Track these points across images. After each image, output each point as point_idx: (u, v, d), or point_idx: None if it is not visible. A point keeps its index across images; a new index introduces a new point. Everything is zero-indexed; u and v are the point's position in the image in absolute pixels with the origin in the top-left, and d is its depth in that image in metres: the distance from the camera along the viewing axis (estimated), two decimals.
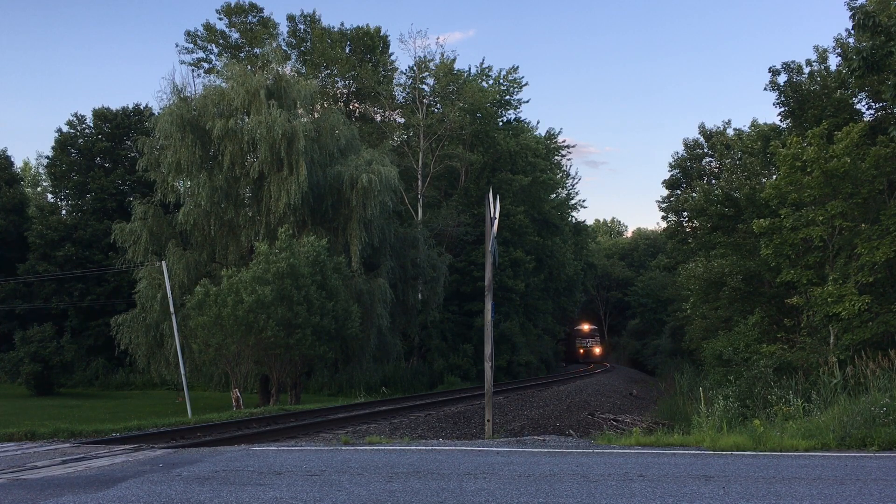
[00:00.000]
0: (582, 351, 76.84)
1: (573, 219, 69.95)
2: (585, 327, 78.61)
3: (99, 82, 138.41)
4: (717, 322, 31.08)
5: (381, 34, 49.21)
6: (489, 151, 49.25)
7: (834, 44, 24.66)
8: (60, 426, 13.86)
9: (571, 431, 18.77)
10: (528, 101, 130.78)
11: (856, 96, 24.17)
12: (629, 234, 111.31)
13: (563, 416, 23.16)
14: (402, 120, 49.29)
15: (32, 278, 38.97)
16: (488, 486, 7.42)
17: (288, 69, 37.97)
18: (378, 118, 49.35)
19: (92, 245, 40.56)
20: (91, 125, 43.94)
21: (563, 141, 64.28)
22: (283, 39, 48.29)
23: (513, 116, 55.64)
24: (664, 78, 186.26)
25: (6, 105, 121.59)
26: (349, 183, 28.20)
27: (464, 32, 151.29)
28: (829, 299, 17.29)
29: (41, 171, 61.27)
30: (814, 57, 25.84)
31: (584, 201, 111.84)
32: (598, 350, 77.55)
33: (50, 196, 51.22)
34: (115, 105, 58.45)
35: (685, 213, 40.11)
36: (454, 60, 49.06)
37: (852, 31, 19.66)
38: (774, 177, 23.72)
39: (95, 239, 40.05)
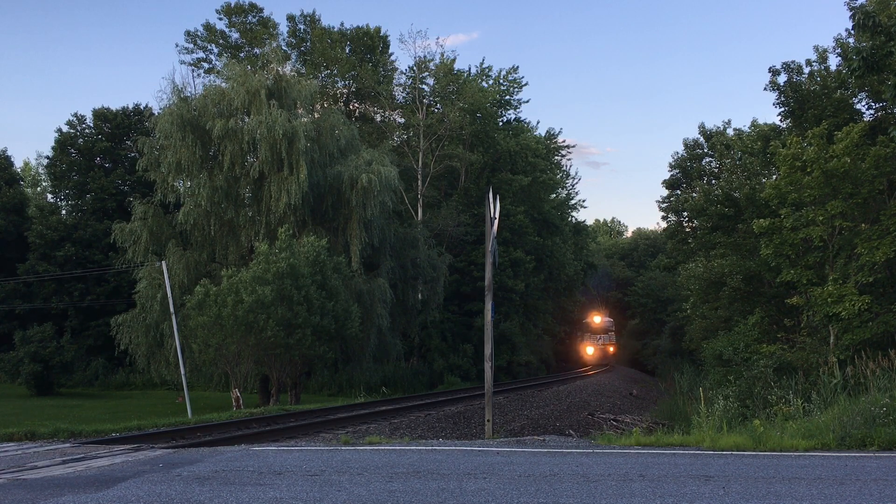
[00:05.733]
0: (592, 350, 62.16)
1: (573, 219, 69.83)
2: (597, 320, 63.66)
3: (99, 82, 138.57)
4: (717, 322, 31.08)
5: (381, 34, 49.29)
6: (489, 151, 49.27)
7: (834, 44, 24.62)
8: (60, 426, 13.85)
9: (571, 431, 18.78)
10: (528, 102, 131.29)
11: (856, 96, 24.15)
12: (629, 234, 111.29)
13: (563, 416, 23.18)
14: (402, 120, 49.29)
15: (32, 278, 38.94)
16: (488, 486, 7.41)
17: (288, 69, 38.01)
18: (378, 118, 49.33)
19: (92, 245, 40.53)
20: (91, 125, 43.93)
21: (563, 141, 64.31)
22: (283, 39, 48.33)
23: (513, 116, 55.78)
24: (664, 78, 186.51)
25: (6, 105, 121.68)
26: (349, 183, 28.24)
27: (467, 35, 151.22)
28: (829, 299, 17.28)
29: (41, 171, 61.23)
30: (814, 57, 25.82)
31: (584, 201, 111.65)
32: (612, 349, 63.58)
33: (50, 196, 51.16)
34: (115, 105, 58.46)
35: (685, 214, 40.05)
36: (454, 60, 49.20)
37: (852, 31, 19.61)
38: (774, 177, 23.71)
39: (95, 239, 40.03)
